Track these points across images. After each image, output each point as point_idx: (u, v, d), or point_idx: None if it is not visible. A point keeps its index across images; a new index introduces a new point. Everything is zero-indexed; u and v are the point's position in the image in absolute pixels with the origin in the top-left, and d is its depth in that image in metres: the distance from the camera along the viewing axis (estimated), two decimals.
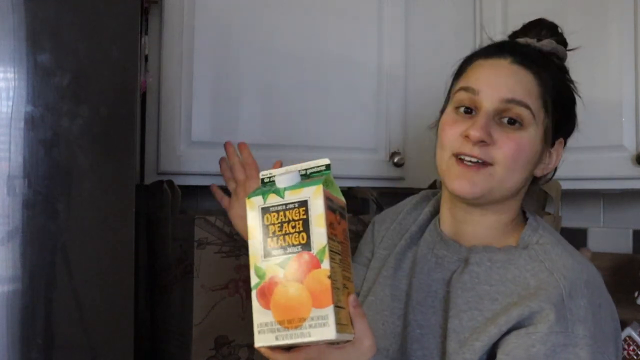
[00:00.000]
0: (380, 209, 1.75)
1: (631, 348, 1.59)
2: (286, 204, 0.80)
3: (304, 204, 0.79)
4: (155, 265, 1.57)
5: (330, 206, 0.82)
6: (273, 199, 0.81)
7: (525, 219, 1.03)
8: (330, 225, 0.80)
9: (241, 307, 1.47)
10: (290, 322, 0.78)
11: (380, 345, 1.02)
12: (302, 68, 1.73)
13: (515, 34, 1.07)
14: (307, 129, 1.73)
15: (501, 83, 0.95)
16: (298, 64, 1.72)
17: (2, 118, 1.10)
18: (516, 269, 0.95)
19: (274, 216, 0.80)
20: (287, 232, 0.80)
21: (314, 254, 0.78)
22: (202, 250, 1.42)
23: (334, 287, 0.78)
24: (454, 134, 0.96)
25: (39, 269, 1.12)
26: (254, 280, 0.81)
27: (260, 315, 0.80)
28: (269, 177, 0.87)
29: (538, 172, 1.01)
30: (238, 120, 1.68)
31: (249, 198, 0.82)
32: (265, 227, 0.81)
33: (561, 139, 1.02)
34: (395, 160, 1.79)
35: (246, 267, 1.45)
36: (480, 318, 0.93)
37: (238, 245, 1.46)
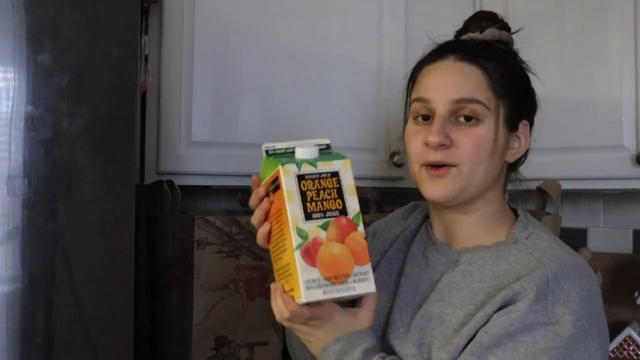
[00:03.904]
0: (380, 209, 1.75)
1: (631, 348, 1.59)
2: (320, 174, 0.89)
3: (335, 174, 0.89)
4: (155, 265, 1.57)
5: None
6: (307, 168, 0.89)
7: (515, 215, 1.04)
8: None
9: (241, 307, 1.47)
10: (336, 277, 0.86)
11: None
12: (302, 68, 1.73)
13: (459, 32, 1.08)
14: (307, 129, 1.72)
15: (448, 85, 0.98)
16: (298, 64, 1.72)
17: (2, 118, 1.10)
18: (507, 264, 0.96)
19: (310, 183, 0.88)
20: (324, 198, 0.88)
21: (351, 219, 0.88)
22: (202, 250, 1.42)
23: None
24: (417, 145, 0.99)
25: (39, 269, 1.12)
26: (296, 240, 0.87)
27: (306, 273, 0.86)
28: (273, 150, 0.93)
29: (510, 159, 1.01)
30: (238, 120, 1.68)
31: (283, 165, 0.89)
32: (303, 193, 0.88)
33: (525, 121, 1.02)
34: (395, 160, 1.79)
35: (245, 267, 1.47)
36: (473, 311, 0.94)
37: (238, 245, 1.46)
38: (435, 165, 0.97)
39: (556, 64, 1.61)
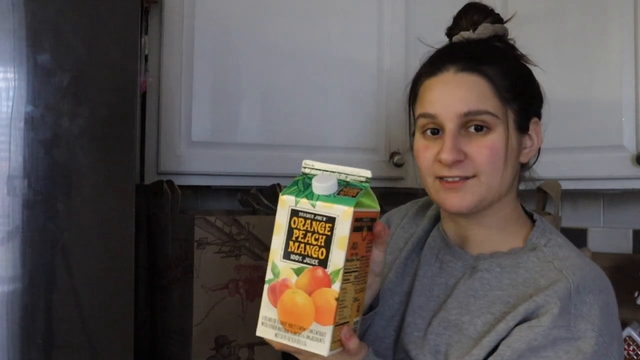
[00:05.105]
0: (380, 209, 1.75)
1: (631, 348, 1.59)
2: (315, 215, 0.82)
3: (331, 220, 0.81)
4: (155, 265, 1.57)
5: (358, 226, 0.83)
6: (304, 205, 0.82)
7: (532, 220, 1.03)
8: (352, 246, 0.82)
9: (241, 307, 1.47)
10: (291, 326, 0.82)
11: (387, 352, 1.02)
12: (302, 68, 1.73)
13: (450, 30, 1.06)
14: (307, 129, 1.73)
15: (453, 99, 0.95)
16: (298, 64, 1.72)
17: (2, 118, 1.10)
18: (526, 272, 0.95)
19: (301, 222, 0.82)
20: (309, 242, 0.82)
21: (328, 273, 0.81)
22: (202, 250, 1.42)
23: (340, 307, 0.82)
24: (428, 159, 0.97)
25: (39, 269, 1.12)
26: (269, 275, 0.83)
27: (266, 309, 0.84)
28: (311, 169, 0.87)
29: (523, 159, 1.01)
30: (238, 120, 1.68)
31: (282, 194, 0.84)
32: (291, 229, 0.83)
33: (535, 119, 1.00)
34: (395, 160, 1.79)
35: (245, 267, 1.47)
36: (493, 321, 0.93)
37: (238, 245, 1.46)
38: (451, 181, 0.95)
39: (556, 64, 1.61)
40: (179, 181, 1.55)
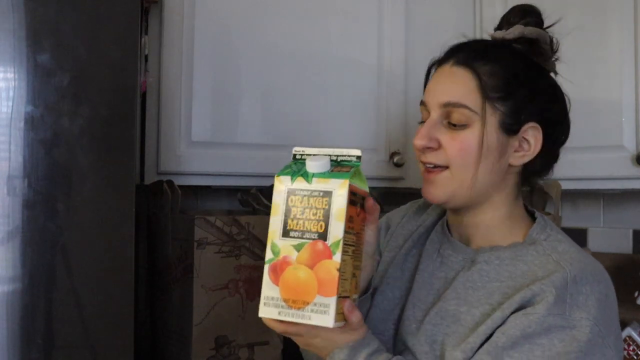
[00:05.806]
0: (380, 209, 1.75)
1: (631, 348, 1.59)
2: (311, 191, 0.85)
3: (328, 194, 0.84)
4: (155, 265, 1.57)
5: (353, 200, 0.86)
6: (300, 183, 0.86)
7: (532, 217, 1.04)
8: (349, 219, 0.85)
9: (241, 307, 1.47)
10: (294, 302, 0.83)
11: (387, 346, 1.03)
12: (302, 68, 1.73)
13: (495, 29, 1.07)
14: (307, 129, 1.73)
15: (439, 89, 1.00)
16: (298, 64, 1.72)
17: (2, 118, 1.10)
18: (524, 265, 0.96)
19: (298, 199, 0.85)
20: (308, 218, 0.84)
21: (328, 245, 0.83)
22: (202, 250, 1.42)
23: (341, 279, 0.83)
24: (414, 144, 1.02)
25: (39, 269, 1.12)
26: (268, 255, 0.85)
27: (268, 289, 0.84)
28: (301, 155, 0.91)
29: (515, 162, 1.00)
30: (238, 120, 1.68)
31: (278, 176, 0.87)
32: (289, 208, 0.85)
33: (533, 124, 0.99)
34: (395, 160, 1.79)
35: (245, 267, 1.47)
36: (490, 311, 0.94)
37: (238, 245, 1.46)
38: (429, 168, 1.00)
39: (556, 63, 1.60)
40: (179, 181, 1.55)
